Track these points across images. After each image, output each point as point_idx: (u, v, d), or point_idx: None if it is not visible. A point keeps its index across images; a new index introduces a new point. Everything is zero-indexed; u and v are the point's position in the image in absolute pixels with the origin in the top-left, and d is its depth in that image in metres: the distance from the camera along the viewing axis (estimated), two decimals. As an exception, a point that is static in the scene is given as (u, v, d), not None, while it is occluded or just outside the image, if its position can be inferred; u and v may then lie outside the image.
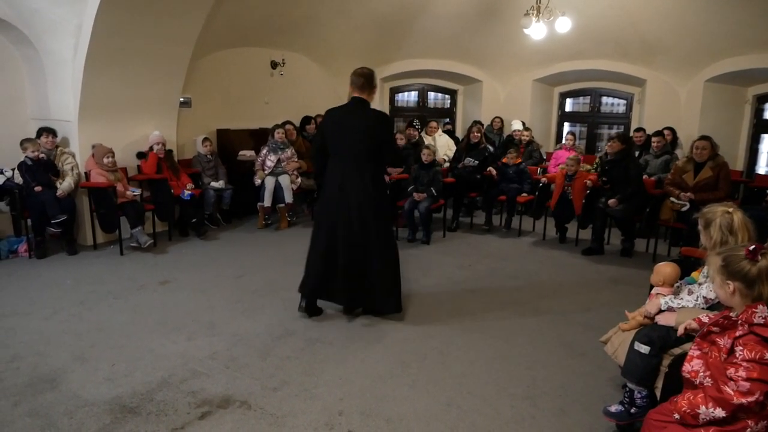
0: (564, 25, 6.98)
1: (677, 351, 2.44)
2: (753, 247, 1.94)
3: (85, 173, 5.87)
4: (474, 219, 7.70)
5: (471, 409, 3.04)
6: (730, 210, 2.55)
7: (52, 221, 5.46)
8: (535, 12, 7.03)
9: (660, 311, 2.64)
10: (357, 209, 3.97)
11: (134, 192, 5.97)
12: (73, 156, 5.86)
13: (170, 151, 6.65)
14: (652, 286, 3.03)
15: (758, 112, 8.33)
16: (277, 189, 7.11)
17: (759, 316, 1.90)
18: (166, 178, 6.37)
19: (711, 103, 8.33)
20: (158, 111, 6.62)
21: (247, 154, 7.60)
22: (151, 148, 6.40)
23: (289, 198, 7.14)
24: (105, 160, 5.80)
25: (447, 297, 4.83)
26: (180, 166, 6.72)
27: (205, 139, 7.07)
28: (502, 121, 9.50)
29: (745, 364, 1.86)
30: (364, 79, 3.97)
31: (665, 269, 2.85)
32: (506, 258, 6.13)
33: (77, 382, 3.24)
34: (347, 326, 4.15)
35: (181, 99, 7.03)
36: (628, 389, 2.70)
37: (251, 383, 3.28)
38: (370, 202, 3.99)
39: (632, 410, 2.64)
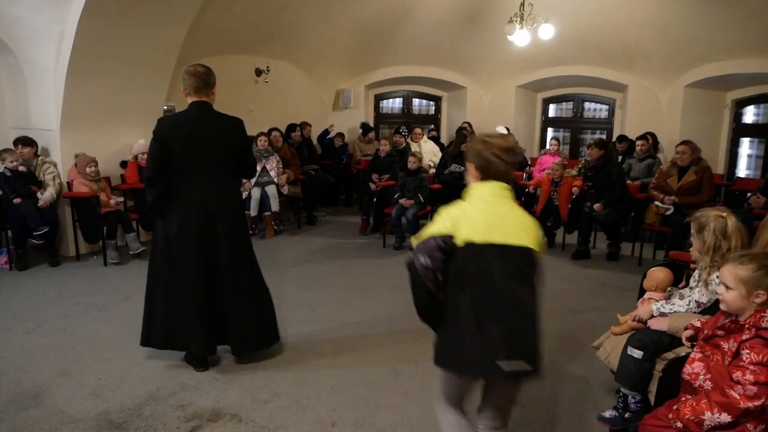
0: (547, 31, 7.05)
1: (670, 355, 2.45)
2: None
3: (68, 183, 5.77)
4: (461, 225, 7.69)
5: (465, 416, 3.02)
6: (724, 215, 2.56)
7: (34, 233, 5.36)
8: (519, 19, 7.09)
9: (652, 317, 2.65)
10: (223, 224, 3.37)
11: (118, 201, 5.88)
12: (55, 165, 5.76)
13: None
14: (642, 290, 3.04)
15: (737, 116, 8.46)
16: (263, 198, 7.06)
17: (767, 320, 1.90)
18: (150, 188, 6.28)
19: (691, 107, 8.46)
20: (142, 119, 6.52)
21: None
22: (135, 158, 6.32)
23: (275, 207, 7.09)
24: (88, 170, 5.71)
25: (436, 304, 4.81)
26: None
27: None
28: (470, 126, 9.50)
29: (752, 367, 1.86)
30: (198, 79, 3.28)
31: (658, 274, 2.86)
32: (494, 263, 6.12)
33: (62, 397, 3.17)
34: (337, 336, 4.12)
35: (165, 107, 6.95)
36: (621, 394, 2.70)
37: (241, 395, 3.24)
38: (237, 218, 3.50)
39: (626, 415, 2.65)
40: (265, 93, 8.64)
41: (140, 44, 5.82)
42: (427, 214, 7.00)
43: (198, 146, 3.27)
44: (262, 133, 7.25)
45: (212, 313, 3.45)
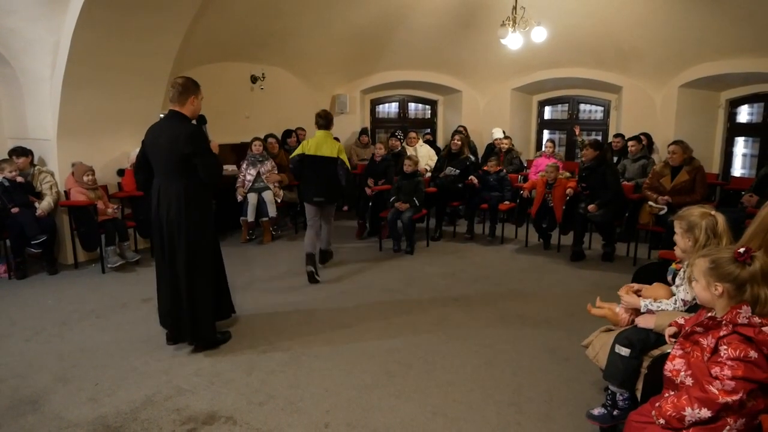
0: (540, 34, 7.09)
1: (657, 353, 2.48)
2: (743, 249, 1.98)
3: (65, 192, 5.82)
4: (457, 228, 7.74)
5: (457, 416, 3.06)
6: (712, 213, 2.59)
7: (32, 242, 5.40)
8: (511, 22, 7.13)
9: (639, 312, 2.68)
10: (175, 221, 3.70)
11: (115, 209, 5.93)
12: (52, 175, 5.80)
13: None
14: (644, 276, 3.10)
15: (731, 115, 8.51)
16: (260, 203, 7.10)
17: (743, 317, 1.94)
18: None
19: (685, 108, 8.51)
20: (138, 128, 6.51)
21: (228, 168, 7.59)
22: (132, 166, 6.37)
23: (272, 212, 7.13)
24: (85, 178, 5.76)
25: (431, 306, 4.85)
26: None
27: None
28: (466, 129, 9.54)
29: (729, 362, 1.89)
30: (174, 90, 3.68)
31: (659, 292, 2.79)
32: (490, 266, 6.17)
33: (60, 403, 3.20)
34: (333, 339, 4.15)
35: (162, 115, 6.98)
36: (610, 392, 2.73)
37: (236, 398, 3.27)
38: (182, 221, 3.70)
39: (615, 413, 2.68)
40: (261, 99, 8.70)
41: (135, 53, 5.87)
42: (423, 217, 7.06)
43: (155, 150, 3.73)
44: (256, 138, 7.29)
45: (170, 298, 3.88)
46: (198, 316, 3.83)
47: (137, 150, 6.20)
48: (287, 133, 8.26)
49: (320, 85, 9.90)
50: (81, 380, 3.47)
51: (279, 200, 7.26)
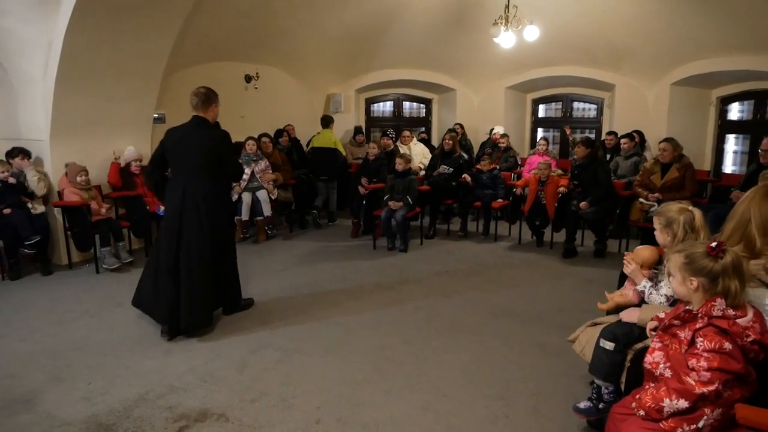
0: (532, 33, 7.12)
1: (640, 346, 2.52)
2: (716, 244, 2.02)
3: (59, 192, 5.83)
4: (451, 226, 7.78)
5: (446, 411, 3.10)
6: (690, 208, 2.64)
7: (26, 242, 5.42)
8: (504, 21, 7.16)
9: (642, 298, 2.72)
10: (197, 218, 4.04)
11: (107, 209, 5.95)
12: (43, 174, 5.80)
13: (145, 167, 6.63)
14: (621, 281, 3.12)
15: (722, 113, 8.56)
16: (255, 202, 7.13)
17: (718, 309, 1.98)
18: (141, 195, 6.36)
19: (677, 105, 8.55)
20: (132, 128, 6.60)
21: (223, 168, 7.60)
22: (128, 165, 6.38)
23: (267, 211, 7.16)
24: (78, 179, 5.77)
25: (424, 303, 4.89)
26: (155, 183, 6.72)
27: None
28: (462, 127, 9.60)
29: (705, 354, 1.94)
30: (198, 99, 4.13)
31: (644, 252, 2.84)
32: (482, 263, 6.21)
33: (53, 402, 3.22)
34: (325, 336, 4.18)
35: (155, 115, 7.02)
36: (595, 385, 2.77)
37: (229, 396, 3.30)
38: (208, 213, 4.08)
39: (600, 405, 2.72)
40: (256, 99, 8.71)
41: (128, 54, 5.89)
42: (416, 215, 7.09)
43: (180, 152, 4.09)
44: (250, 137, 7.31)
45: (161, 287, 4.08)
46: (234, 293, 4.43)
47: (130, 148, 6.34)
48: (278, 133, 8.28)
49: (315, 85, 9.93)
50: (74, 379, 3.49)
51: (273, 198, 7.28)
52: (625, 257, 2.83)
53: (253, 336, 4.17)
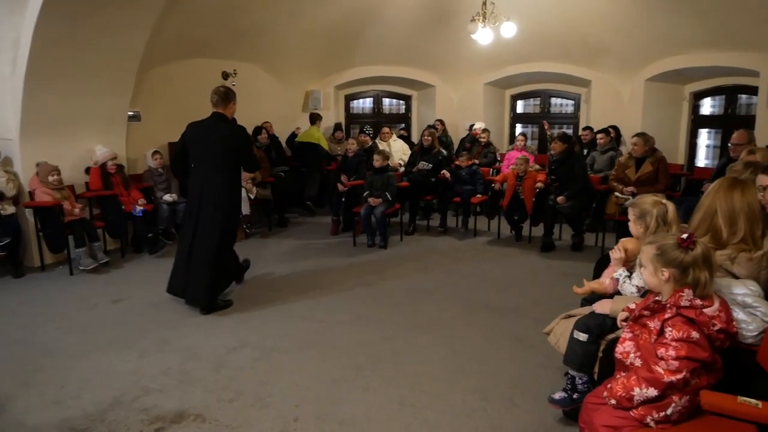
0: (509, 29, 7.15)
1: (612, 337, 2.55)
2: (686, 235, 2.05)
3: (30, 192, 5.72)
4: (431, 222, 7.80)
5: (424, 406, 3.11)
6: (664, 201, 2.68)
7: (-4, 244, 5.31)
8: (481, 18, 7.19)
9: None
10: (212, 203, 4.49)
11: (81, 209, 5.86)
12: (13, 174, 5.68)
13: (121, 166, 6.55)
14: (597, 273, 3.15)
15: (695, 108, 8.69)
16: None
17: (685, 299, 2.02)
18: (116, 195, 6.27)
19: (652, 101, 8.66)
20: (106, 126, 6.50)
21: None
22: (103, 165, 6.28)
23: (246, 209, 7.08)
24: (50, 178, 5.66)
25: (403, 299, 4.89)
26: (131, 182, 6.63)
27: (155, 153, 6.98)
28: (443, 123, 9.63)
29: (674, 343, 1.98)
30: (218, 97, 4.58)
31: (629, 244, 2.83)
32: (462, 258, 6.24)
33: (22, 408, 3.15)
34: (304, 334, 4.16)
35: (130, 113, 6.91)
36: (570, 376, 2.80)
37: (205, 396, 3.27)
38: (224, 198, 4.54)
39: (575, 396, 2.74)
40: (233, 96, 8.62)
41: (100, 50, 5.79)
42: (396, 212, 7.10)
43: (201, 145, 4.51)
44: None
45: (181, 267, 4.62)
46: (219, 279, 4.64)
47: (102, 149, 6.24)
48: (257, 130, 8.22)
49: (293, 81, 9.86)
50: (45, 384, 3.42)
51: (252, 197, 7.23)
52: (619, 243, 2.85)
53: (230, 335, 4.14)
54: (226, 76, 8.49)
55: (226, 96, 4.60)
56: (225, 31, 7.71)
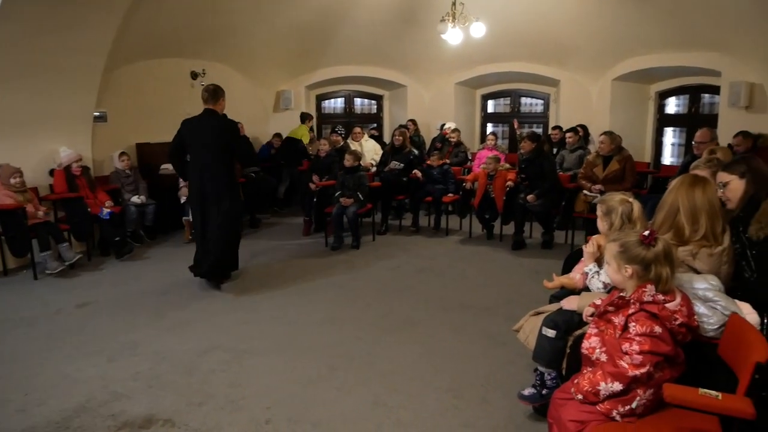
0: (478, 30, 7.22)
1: (580, 333, 2.59)
2: (648, 232, 2.10)
3: (-9, 195, 5.55)
4: (403, 221, 7.82)
5: (396, 405, 3.12)
6: (630, 200, 2.74)
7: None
8: (451, 18, 7.24)
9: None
10: (213, 193, 4.89)
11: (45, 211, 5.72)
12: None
13: (86, 168, 6.41)
14: (566, 269, 3.20)
15: (660, 107, 8.90)
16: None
17: (648, 295, 2.07)
18: (81, 197, 6.14)
19: (619, 100, 8.84)
20: (70, 126, 6.35)
21: (169, 167, 7.41)
22: (68, 167, 6.14)
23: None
24: (12, 180, 5.51)
25: (376, 299, 4.90)
26: (97, 183, 6.50)
27: (122, 154, 6.86)
28: (415, 123, 9.68)
29: (638, 338, 2.02)
30: (208, 94, 4.94)
31: (601, 241, 2.84)
32: (434, 257, 6.27)
33: (-15, 415, 3.07)
34: (276, 335, 4.14)
35: (96, 113, 6.78)
36: (539, 372, 2.84)
37: (175, 400, 3.22)
38: (223, 188, 4.93)
39: (544, 392, 2.79)
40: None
41: (64, 49, 5.65)
42: (369, 212, 7.10)
43: (197, 139, 4.88)
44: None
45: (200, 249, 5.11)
46: (225, 255, 5.09)
47: (67, 151, 6.10)
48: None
49: (264, 81, 9.79)
50: (8, 392, 3.32)
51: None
52: (592, 238, 2.89)
53: (201, 337, 4.09)
54: (194, 75, 8.39)
55: (215, 93, 4.94)
56: (194, 31, 7.61)
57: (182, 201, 6.94)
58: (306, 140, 9.03)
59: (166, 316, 4.53)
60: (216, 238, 4.95)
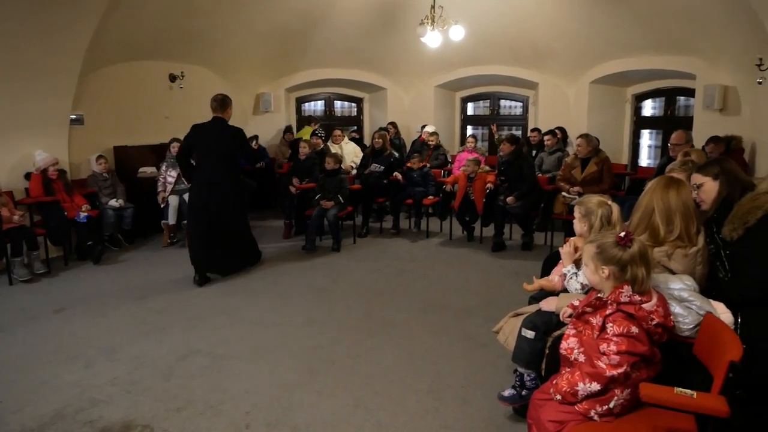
0: (457, 33, 7.24)
1: (558, 333, 2.62)
2: (624, 234, 2.13)
3: (-36, 200, 5.44)
4: (384, 224, 7.83)
5: (377, 408, 3.12)
6: (609, 202, 2.77)
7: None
8: (430, 21, 7.26)
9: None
10: (220, 194, 5.34)
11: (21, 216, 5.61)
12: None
13: (63, 171, 6.31)
14: (545, 271, 3.24)
15: (637, 109, 9.05)
16: (183, 205, 6.90)
17: (625, 296, 2.10)
18: (58, 201, 6.04)
19: (596, 102, 8.96)
20: (46, 129, 6.25)
21: (148, 170, 7.34)
22: (44, 171, 6.04)
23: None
24: (-14, 185, 5.41)
25: (356, 302, 4.90)
26: (74, 187, 6.40)
27: (100, 157, 6.77)
28: (395, 126, 9.72)
29: (615, 338, 2.05)
30: (216, 103, 5.43)
31: (578, 243, 2.87)
32: (414, 259, 6.29)
33: (-43, 425, 3.01)
34: (256, 339, 4.11)
35: (73, 116, 6.68)
36: (518, 373, 2.87)
37: (154, 406, 3.19)
38: (229, 189, 5.44)
39: (523, 392, 2.81)
40: (181, 99, 8.43)
41: (39, 51, 5.57)
42: (349, 214, 7.09)
43: (205, 144, 5.36)
44: (175, 139, 7.06)
45: (207, 246, 5.40)
46: (241, 249, 5.75)
47: (43, 154, 6.00)
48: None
49: (243, 84, 9.73)
50: (-18, 399, 3.27)
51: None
52: (569, 240, 2.93)
53: (180, 342, 4.05)
54: (173, 78, 8.32)
55: (223, 102, 5.44)
56: (172, 33, 7.54)
57: (162, 205, 6.86)
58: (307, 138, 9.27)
59: (145, 321, 4.47)
60: (224, 232, 5.42)
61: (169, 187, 6.90)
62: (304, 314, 4.61)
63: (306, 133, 9.32)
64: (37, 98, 5.94)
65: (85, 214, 6.10)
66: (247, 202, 5.99)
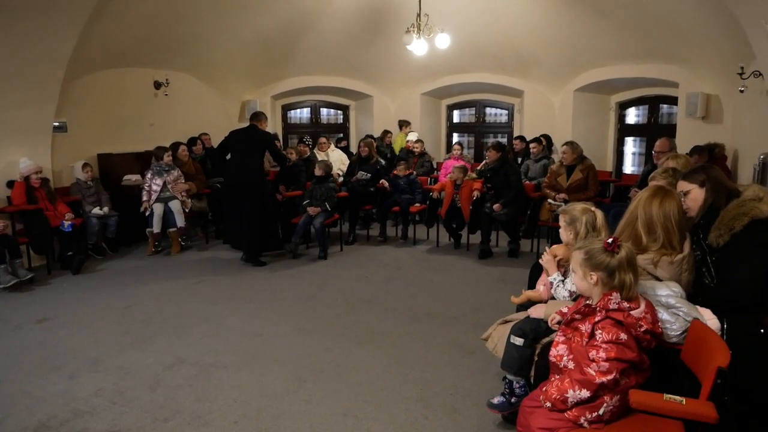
0: (443, 41, 7.30)
1: (547, 341, 2.63)
2: (611, 240, 2.16)
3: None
4: (370, 231, 7.83)
5: (366, 416, 3.11)
6: (593, 209, 2.80)
7: None
8: (416, 29, 7.30)
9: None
10: (247, 178, 6.22)
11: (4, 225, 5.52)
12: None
13: (46, 179, 6.23)
14: (531, 281, 3.25)
15: (621, 117, 9.16)
16: (168, 213, 6.85)
17: (614, 303, 2.12)
18: (41, 209, 5.96)
19: (581, 110, 9.07)
20: (29, 137, 6.18)
21: (132, 178, 7.27)
22: (27, 179, 5.96)
23: (181, 222, 6.90)
24: (-33, 193, 5.32)
25: (344, 310, 4.88)
26: (57, 195, 6.32)
27: (85, 165, 6.70)
28: (391, 134, 9.77)
29: (604, 345, 2.06)
30: (253, 115, 6.50)
31: (559, 249, 2.94)
32: (401, 267, 6.29)
33: (-62, 438, 2.95)
34: (244, 348, 4.08)
35: (56, 123, 6.60)
36: (507, 380, 2.87)
37: (140, 416, 3.14)
38: (257, 183, 6.30)
39: (513, 400, 2.81)
40: (166, 106, 8.38)
41: (21, 58, 5.51)
42: (336, 222, 7.08)
43: (240, 142, 6.34)
44: (161, 148, 7.01)
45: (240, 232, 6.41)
46: (267, 235, 6.45)
47: (27, 162, 5.93)
48: (192, 141, 8.03)
49: (228, 91, 9.70)
50: (-36, 411, 3.20)
51: (187, 210, 7.03)
52: (545, 251, 2.94)
53: (166, 352, 4.00)
54: (158, 85, 8.27)
55: (257, 115, 6.48)
56: (157, 40, 7.50)
57: (146, 214, 6.79)
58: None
59: (129, 331, 4.42)
60: (251, 219, 6.20)
61: (154, 196, 6.83)
62: (292, 322, 4.58)
63: (401, 138, 9.73)
64: (20, 106, 5.87)
65: (70, 222, 6.02)
66: (269, 196, 6.64)
